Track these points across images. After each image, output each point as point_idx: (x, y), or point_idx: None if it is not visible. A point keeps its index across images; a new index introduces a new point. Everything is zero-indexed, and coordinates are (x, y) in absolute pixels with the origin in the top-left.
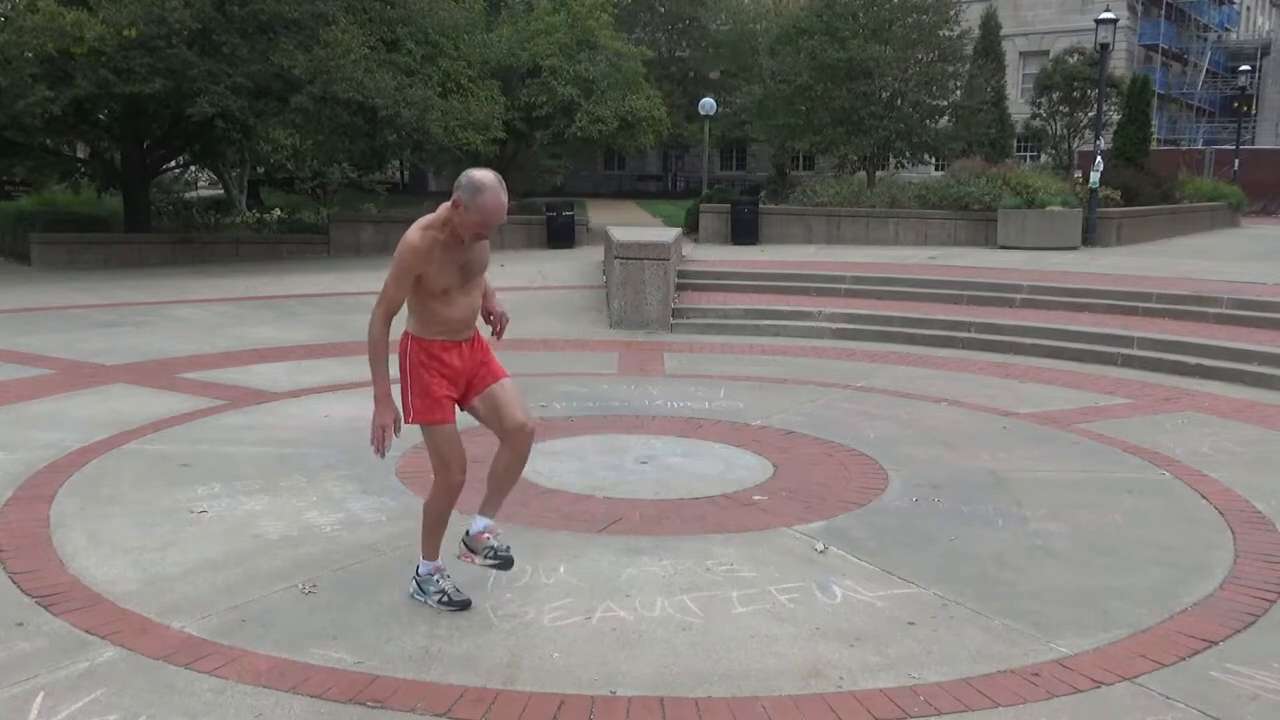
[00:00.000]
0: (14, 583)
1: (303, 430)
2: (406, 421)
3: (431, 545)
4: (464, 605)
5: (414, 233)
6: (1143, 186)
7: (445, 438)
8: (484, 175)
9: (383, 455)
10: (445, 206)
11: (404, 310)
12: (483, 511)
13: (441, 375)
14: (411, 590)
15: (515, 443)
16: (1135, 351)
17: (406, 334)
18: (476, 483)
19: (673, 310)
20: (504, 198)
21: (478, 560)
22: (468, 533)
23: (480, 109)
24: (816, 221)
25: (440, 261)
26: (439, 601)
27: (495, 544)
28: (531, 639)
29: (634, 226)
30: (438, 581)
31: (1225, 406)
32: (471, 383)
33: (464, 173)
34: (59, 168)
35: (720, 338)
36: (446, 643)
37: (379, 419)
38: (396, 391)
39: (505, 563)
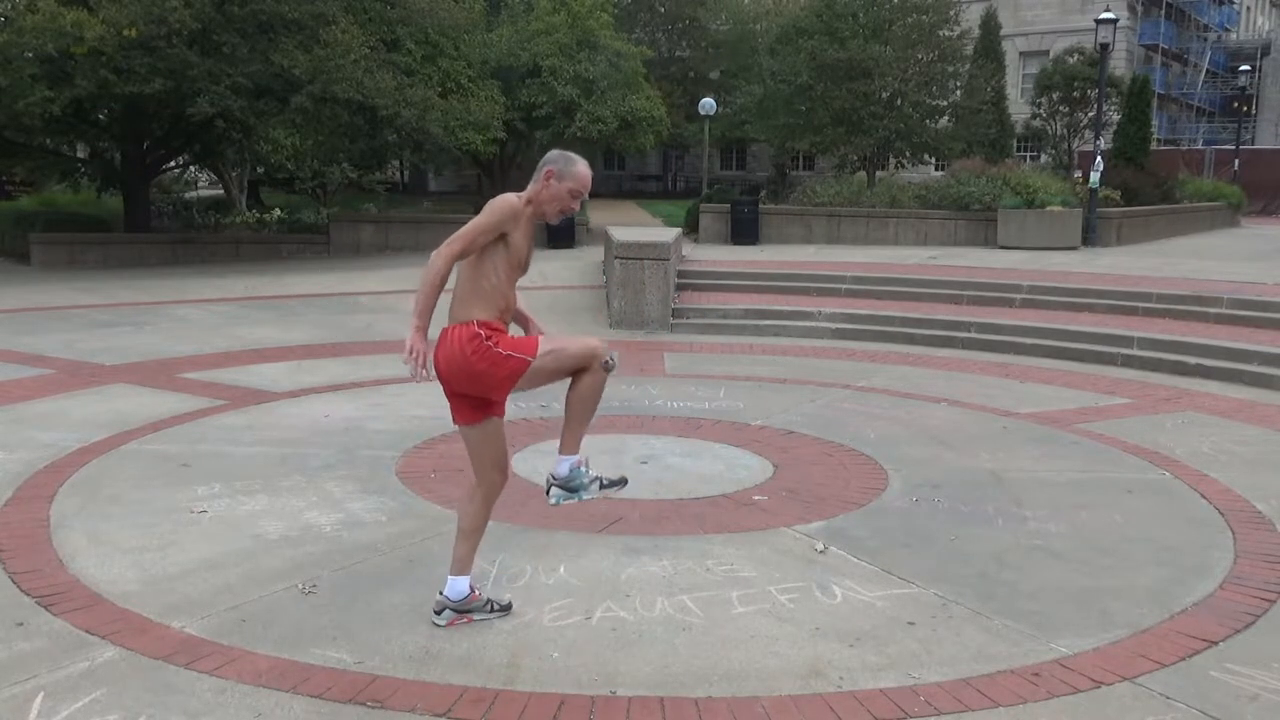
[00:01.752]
0: (14, 583)
1: (302, 430)
2: (529, 356)
3: (579, 437)
4: (622, 481)
5: (510, 196)
6: (1143, 186)
7: (550, 341)
8: (570, 151)
9: (422, 377)
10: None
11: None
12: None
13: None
14: (555, 499)
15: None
16: (1135, 351)
17: (468, 323)
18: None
19: (673, 310)
20: (591, 171)
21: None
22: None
23: (480, 109)
24: (816, 221)
25: (523, 231)
26: (600, 487)
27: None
28: (531, 639)
29: (634, 226)
30: (586, 471)
31: (1225, 406)
32: None
33: (550, 151)
34: (59, 168)
35: (720, 338)
36: (446, 643)
37: (416, 343)
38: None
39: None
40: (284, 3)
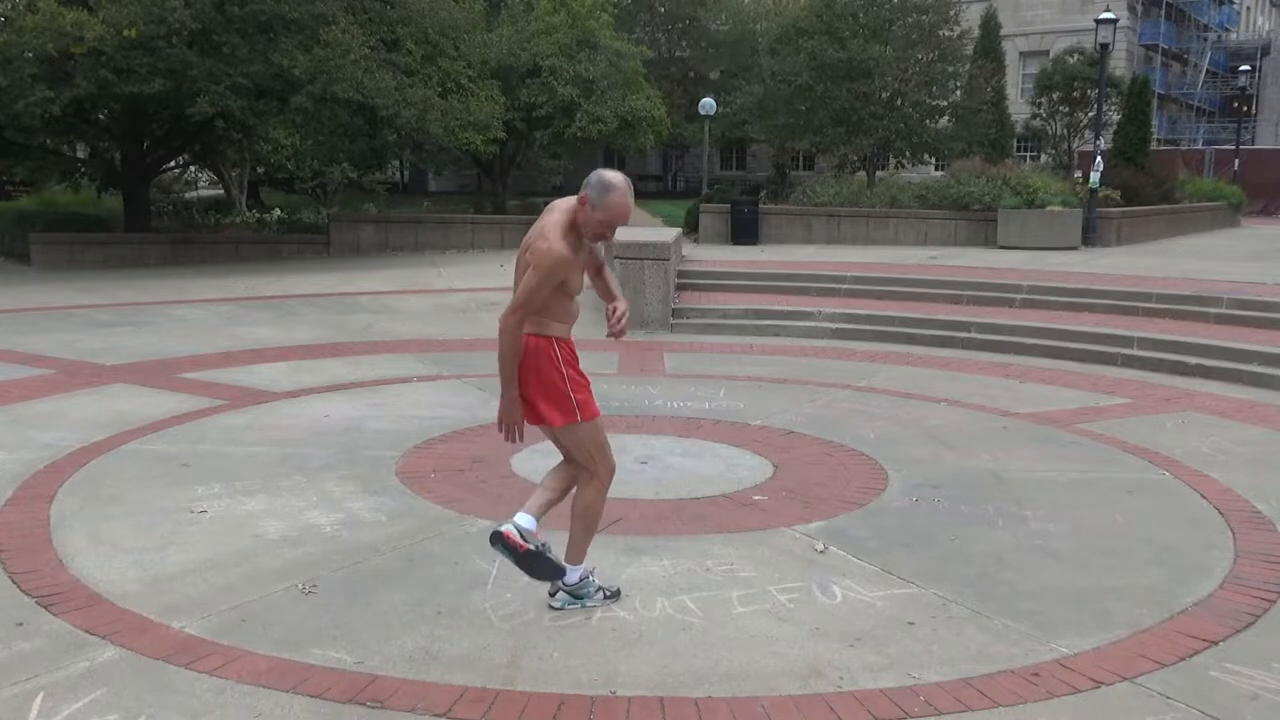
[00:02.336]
0: (14, 583)
1: (302, 430)
2: (582, 419)
3: (584, 548)
4: (618, 593)
5: (558, 244)
6: (1143, 186)
7: (601, 427)
8: (614, 175)
9: (516, 441)
10: (563, 211)
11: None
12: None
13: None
14: (560, 603)
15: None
16: (1135, 351)
17: (546, 338)
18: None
19: (673, 310)
20: (631, 200)
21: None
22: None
23: (480, 109)
24: (816, 221)
25: (576, 264)
26: (604, 598)
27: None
28: (531, 639)
29: (634, 226)
30: (594, 581)
31: (1225, 406)
32: None
33: (594, 171)
34: (59, 168)
35: (720, 338)
36: (446, 643)
37: (511, 417)
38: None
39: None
40: (284, 3)
